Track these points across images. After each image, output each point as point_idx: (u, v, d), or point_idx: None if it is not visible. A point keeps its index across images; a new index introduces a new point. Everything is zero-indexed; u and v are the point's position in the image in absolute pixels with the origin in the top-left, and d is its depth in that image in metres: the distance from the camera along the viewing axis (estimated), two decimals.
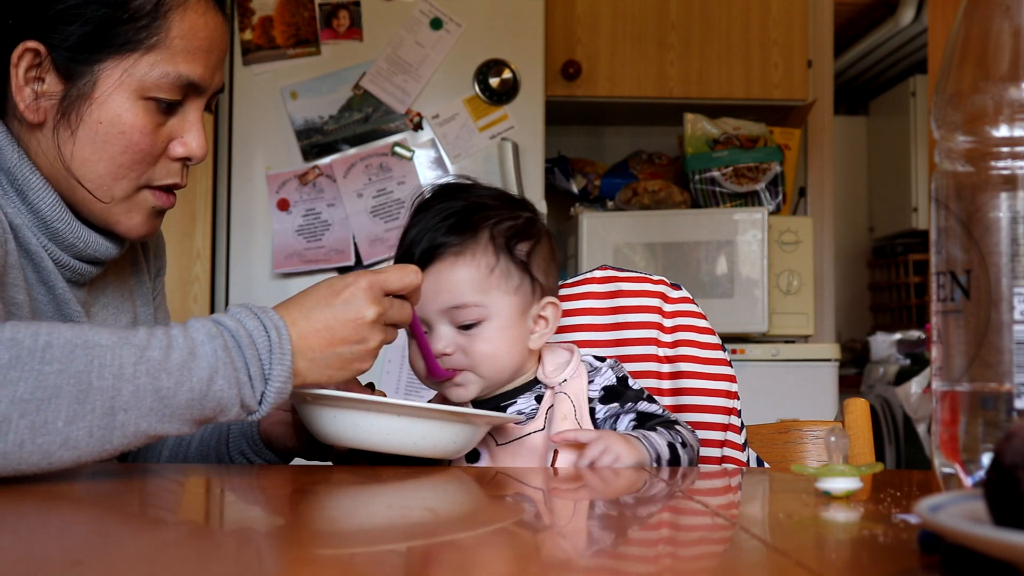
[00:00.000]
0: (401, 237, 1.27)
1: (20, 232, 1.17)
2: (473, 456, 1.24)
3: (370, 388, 1.30)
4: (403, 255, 1.25)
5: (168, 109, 1.19)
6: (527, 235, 1.27)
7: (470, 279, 1.22)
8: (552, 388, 1.26)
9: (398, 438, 1.13)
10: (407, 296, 1.14)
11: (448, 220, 1.24)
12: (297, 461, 1.35)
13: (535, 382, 1.28)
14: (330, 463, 1.32)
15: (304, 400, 1.15)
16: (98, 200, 1.20)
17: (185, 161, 1.23)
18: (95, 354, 0.94)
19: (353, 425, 1.12)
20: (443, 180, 1.33)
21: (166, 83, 1.17)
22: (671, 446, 1.21)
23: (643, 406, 1.27)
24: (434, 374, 1.22)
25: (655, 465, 1.19)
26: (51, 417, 0.92)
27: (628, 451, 1.17)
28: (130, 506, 0.94)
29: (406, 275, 1.12)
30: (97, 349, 0.95)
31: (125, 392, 0.95)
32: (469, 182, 1.32)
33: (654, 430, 1.23)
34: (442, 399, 1.28)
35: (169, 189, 1.24)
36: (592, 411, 1.26)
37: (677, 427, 1.26)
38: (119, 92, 1.16)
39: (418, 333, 1.20)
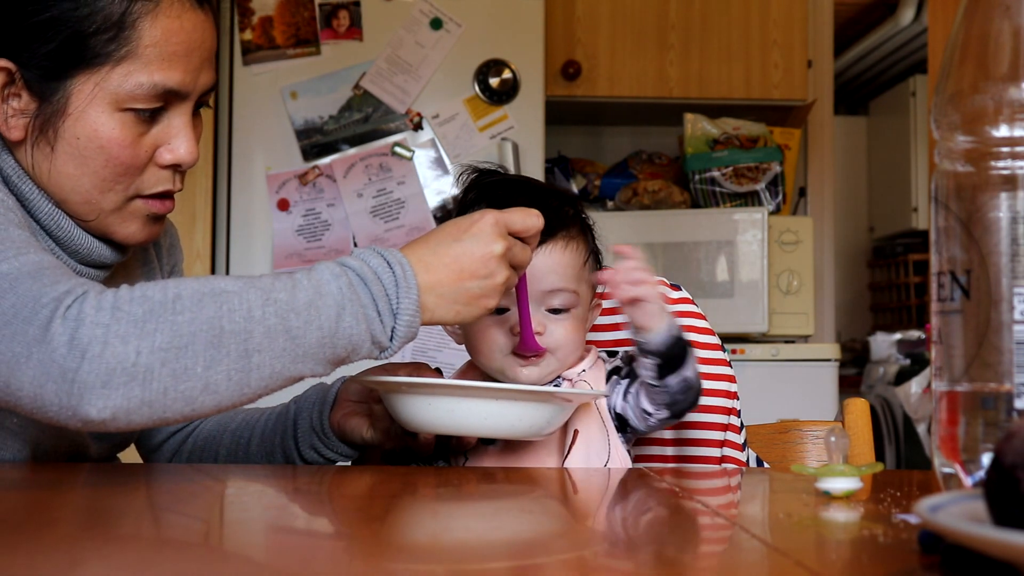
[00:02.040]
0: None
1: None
2: (487, 439, 1.25)
3: (438, 373, 1.29)
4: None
5: (151, 117, 1.16)
6: (594, 233, 1.32)
7: (574, 266, 1.26)
8: (571, 380, 1.27)
9: (494, 422, 1.13)
10: (526, 240, 1.14)
11: (557, 205, 1.26)
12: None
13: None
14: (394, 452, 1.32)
15: (397, 389, 1.15)
16: (81, 218, 1.19)
17: (175, 168, 1.20)
18: (223, 300, 0.98)
19: (449, 412, 1.12)
20: (486, 165, 1.33)
21: (141, 93, 1.14)
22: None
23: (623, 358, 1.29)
24: (529, 345, 1.21)
25: (668, 321, 1.18)
26: (190, 363, 0.96)
27: (654, 292, 1.17)
28: (132, 506, 0.94)
29: (529, 216, 1.13)
30: (224, 295, 0.98)
31: (257, 333, 0.98)
32: (501, 169, 1.33)
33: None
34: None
35: (163, 196, 1.22)
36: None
37: None
38: (94, 106, 1.14)
39: (523, 297, 1.20)
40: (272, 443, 1.35)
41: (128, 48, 1.13)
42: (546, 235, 1.23)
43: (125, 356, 0.94)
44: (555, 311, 1.25)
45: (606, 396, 1.24)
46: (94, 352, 0.93)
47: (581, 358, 1.30)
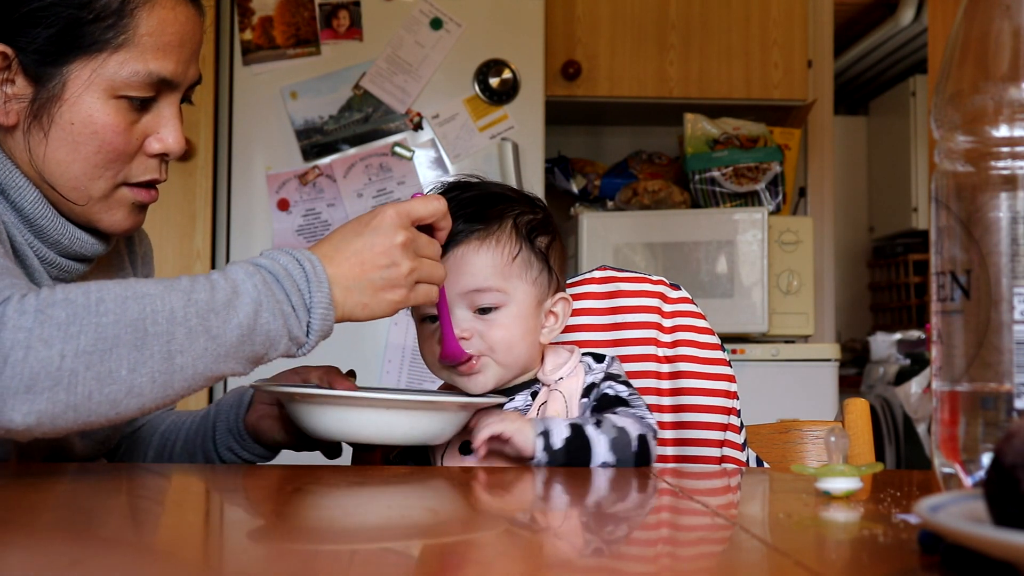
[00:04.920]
0: None
1: (7, 229, 1.17)
2: (466, 448, 1.25)
3: (351, 375, 1.30)
4: None
5: (142, 106, 1.19)
6: (546, 229, 1.29)
7: (493, 263, 1.24)
8: (548, 385, 1.27)
9: (386, 431, 1.15)
10: (435, 229, 1.16)
11: (472, 206, 1.25)
12: (284, 454, 1.36)
13: (535, 380, 1.28)
14: (319, 452, 1.33)
15: (292, 398, 1.17)
16: (73, 203, 1.19)
17: (163, 157, 1.22)
18: (146, 302, 0.98)
19: (340, 420, 1.14)
20: (452, 178, 1.34)
21: (136, 81, 1.16)
22: (575, 427, 1.17)
23: (606, 386, 1.26)
24: (452, 355, 1.21)
25: (542, 441, 1.15)
26: (115, 366, 0.95)
27: (515, 427, 1.15)
28: (129, 506, 0.94)
29: (429, 202, 1.14)
30: (147, 298, 0.98)
31: (179, 335, 0.98)
32: (477, 179, 1.33)
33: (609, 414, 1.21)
34: (449, 390, 1.29)
35: (148, 185, 1.23)
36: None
37: (621, 411, 1.22)
38: (89, 92, 1.16)
39: (443, 307, 1.20)
40: (194, 444, 1.37)
41: (125, 36, 1.15)
42: (460, 238, 1.23)
43: (49, 360, 0.93)
44: (485, 312, 1.24)
45: (497, 404, 1.23)
46: (17, 357, 0.92)
47: (564, 363, 1.29)
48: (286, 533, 0.80)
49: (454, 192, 1.28)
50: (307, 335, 1.07)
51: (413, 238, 1.12)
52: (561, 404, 1.25)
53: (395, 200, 1.17)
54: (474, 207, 1.25)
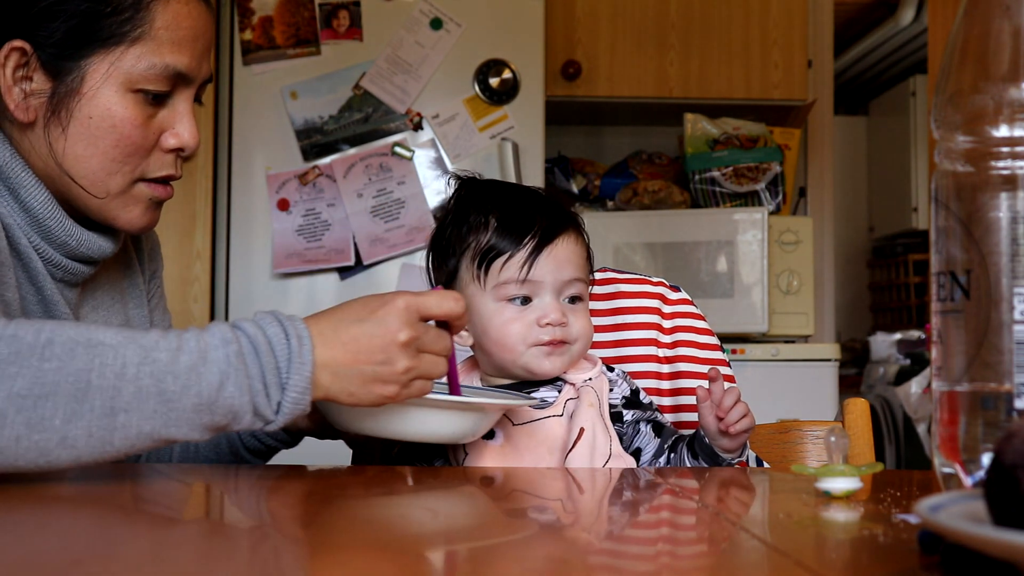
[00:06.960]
0: (483, 216, 1.29)
1: (11, 231, 1.18)
2: (489, 434, 1.25)
3: None
4: (522, 225, 1.27)
5: (157, 101, 1.20)
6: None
7: (583, 258, 1.31)
8: (574, 384, 1.28)
9: (416, 427, 1.13)
10: (449, 325, 1.10)
11: (555, 204, 1.32)
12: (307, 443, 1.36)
13: (557, 378, 1.30)
14: (341, 441, 1.33)
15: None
16: (93, 196, 1.20)
17: (178, 152, 1.23)
18: (96, 352, 0.93)
19: (371, 416, 1.11)
20: (468, 175, 1.36)
21: (153, 74, 1.17)
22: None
23: (657, 416, 1.33)
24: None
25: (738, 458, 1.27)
26: (48, 414, 0.91)
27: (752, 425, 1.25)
28: (130, 506, 0.94)
29: (445, 300, 1.07)
30: (100, 348, 0.93)
31: (126, 392, 0.93)
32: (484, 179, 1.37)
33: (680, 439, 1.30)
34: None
35: (165, 180, 1.24)
36: (620, 415, 1.29)
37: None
38: (107, 86, 1.17)
39: (452, 368, 1.17)
40: (218, 436, 1.34)
41: (142, 29, 1.17)
42: (559, 228, 1.28)
43: None
44: (572, 301, 1.28)
45: (531, 406, 1.25)
46: None
47: (588, 368, 1.31)
48: (287, 537, 0.80)
49: (521, 190, 1.33)
50: (276, 413, 1.00)
51: (418, 336, 1.04)
52: (594, 398, 1.27)
53: (406, 290, 1.09)
54: (557, 205, 1.32)
